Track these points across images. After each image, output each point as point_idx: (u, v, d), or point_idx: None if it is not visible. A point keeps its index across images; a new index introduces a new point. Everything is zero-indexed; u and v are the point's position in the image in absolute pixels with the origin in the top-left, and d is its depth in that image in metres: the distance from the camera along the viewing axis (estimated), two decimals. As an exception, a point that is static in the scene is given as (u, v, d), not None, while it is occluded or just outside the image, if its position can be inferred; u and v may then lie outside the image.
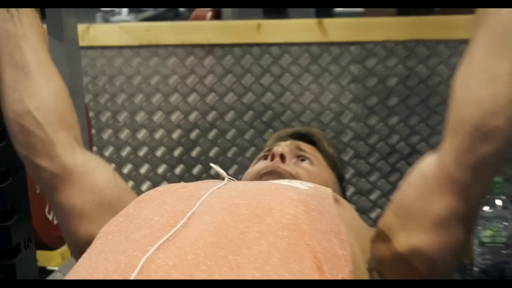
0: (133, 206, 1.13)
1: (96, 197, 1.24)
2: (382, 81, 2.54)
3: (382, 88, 2.55)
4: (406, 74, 2.52)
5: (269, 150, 1.48)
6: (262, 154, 1.49)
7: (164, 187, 1.17)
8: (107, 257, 0.99)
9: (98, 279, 0.94)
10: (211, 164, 1.26)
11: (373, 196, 2.59)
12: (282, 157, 1.40)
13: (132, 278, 0.90)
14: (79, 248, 1.24)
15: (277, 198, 1.07)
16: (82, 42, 2.68)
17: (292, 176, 1.37)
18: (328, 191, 1.17)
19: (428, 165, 1.09)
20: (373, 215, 2.61)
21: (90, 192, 1.24)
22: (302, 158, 1.44)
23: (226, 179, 1.19)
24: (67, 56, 2.06)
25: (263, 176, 1.39)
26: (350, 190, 2.62)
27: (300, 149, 1.46)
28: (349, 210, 1.25)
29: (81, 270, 1.00)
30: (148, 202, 1.12)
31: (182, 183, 1.19)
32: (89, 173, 1.25)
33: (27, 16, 1.26)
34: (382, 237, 1.15)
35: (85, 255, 1.05)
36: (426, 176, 1.08)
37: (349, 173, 2.61)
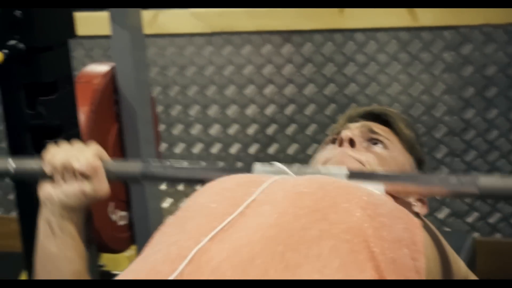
0: (192, 196, 1.13)
1: None
2: (480, 70, 2.46)
3: (480, 77, 2.46)
4: (506, 61, 2.44)
5: (338, 133, 1.42)
6: (330, 137, 1.43)
7: (226, 177, 1.15)
8: (160, 249, 1.02)
9: (144, 273, 0.97)
10: (274, 163, 1.22)
11: (469, 198, 2.52)
12: (352, 142, 1.34)
13: (180, 269, 0.94)
14: None
15: (345, 194, 1.04)
16: (150, 30, 2.66)
17: (362, 164, 1.31)
18: (409, 199, 1.13)
19: None
20: (469, 219, 2.54)
21: None
22: (374, 142, 1.37)
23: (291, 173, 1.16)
24: (131, 45, 2.06)
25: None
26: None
27: (372, 131, 1.38)
28: (431, 229, 1.21)
29: (133, 265, 1.03)
30: (207, 189, 1.12)
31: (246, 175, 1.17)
32: None
33: (72, 238, 1.22)
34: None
35: (142, 252, 1.07)
36: None
37: (442, 172, 2.53)
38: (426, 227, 1.13)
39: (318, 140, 2.61)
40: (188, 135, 2.75)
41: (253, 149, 2.70)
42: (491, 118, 2.48)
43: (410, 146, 1.43)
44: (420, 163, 1.46)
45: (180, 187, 2.78)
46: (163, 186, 2.77)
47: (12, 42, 1.54)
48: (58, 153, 1.21)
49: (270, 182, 1.09)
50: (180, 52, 2.71)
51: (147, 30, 2.62)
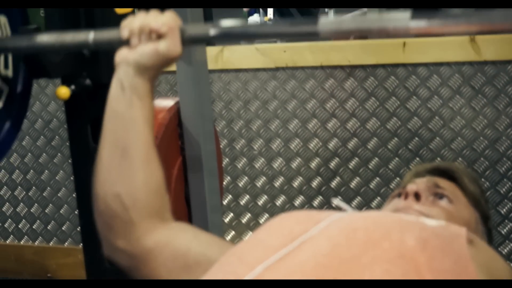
0: (253, 233, 1.19)
1: (180, 263, 1.27)
2: (544, 104, 2.44)
3: (544, 111, 2.44)
4: None
5: (404, 187, 1.44)
6: (396, 191, 1.46)
7: (287, 213, 1.20)
8: (216, 276, 1.07)
9: None
10: (333, 199, 1.26)
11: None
12: (417, 196, 1.36)
13: None
14: None
15: (399, 226, 1.07)
16: (216, 65, 2.73)
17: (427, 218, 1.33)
18: (462, 230, 1.13)
19: None
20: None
21: (173, 261, 1.27)
22: (440, 196, 1.40)
23: (350, 210, 1.19)
24: (195, 80, 2.11)
25: None
26: (509, 226, 2.52)
27: (437, 186, 1.41)
28: (487, 252, 1.20)
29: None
30: (266, 227, 1.17)
31: (306, 210, 1.21)
32: (168, 245, 1.28)
33: (139, 99, 1.30)
34: None
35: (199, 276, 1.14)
36: None
37: (505, 207, 2.51)
38: (477, 255, 1.12)
39: (380, 174, 2.63)
40: (252, 168, 2.78)
41: (315, 182, 2.72)
42: (556, 153, 2.45)
43: (475, 202, 1.45)
44: (485, 219, 1.47)
45: (244, 219, 2.81)
46: (227, 219, 2.81)
47: (80, 78, 1.60)
48: (136, 18, 1.28)
49: (328, 220, 1.12)
50: (245, 87, 2.76)
51: (213, 65, 2.69)
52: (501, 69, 2.47)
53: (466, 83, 2.52)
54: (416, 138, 2.58)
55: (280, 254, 1.04)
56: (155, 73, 1.30)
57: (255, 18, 7.73)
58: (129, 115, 1.30)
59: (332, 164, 2.69)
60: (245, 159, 2.79)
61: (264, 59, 2.72)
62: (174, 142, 2.14)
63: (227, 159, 2.79)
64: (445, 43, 2.53)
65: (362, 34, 1.21)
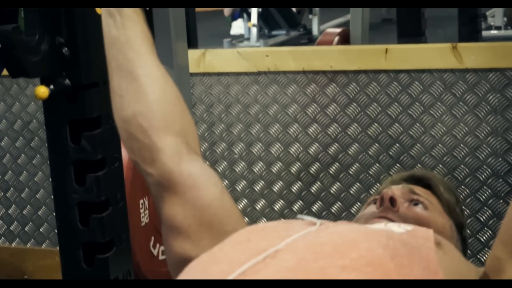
0: (220, 245, 1.15)
1: (197, 213, 1.25)
2: (525, 113, 2.46)
3: (525, 120, 2.46)
4: (552, 104, 2.43)
5: (380, 193, 1.45)
6: (372, 197, 1.46)
7: (254, 226, 1.18)
8: None
9: None
10: (299, 216, 1.25)
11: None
12: (392, 201, 1.36)
13: None
14: (172, 266, 1.27)
15: (366, 237, 1.06)
16: (198, 69, 2.73)
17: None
18: (429, 233, 1.13)
19: None
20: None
21: (191, 207, 1.25)
22: (415, 202, 1.41)
23: (318, 223, 1.18)
24: (176, 83, 2.10)
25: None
26: (488, 234, 2.53)
27: (413, 192, 1.42)
28: (453, 254, 1.21)
29: None
30: (233, 240, 1.14)
31: (274, 223, 1.19)
32: (194, 187, 1.26)
33: (130, 19, 1.31)
34: (492, 270, 1.13)
35: None
36: None
37: (485, 215, 2.52)
38: (445, 258, 1.13)
39: (361, 180, 2.63)
40: (232, 172, 2.78)
41: (296, 187, 2.72)
42: (536, 161, 2.47)
43: (450, 210, 1.46)
44: (460, 227, 1.48)
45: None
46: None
47: (59, 78, 1.59)
48: None
49: (294, 236, 1.10)
50: (227, 91, 2.76)
51: (195, 69, 2.69)
52: (483, 77, 2.49)
53: (448, 90, 2.53)
54: (397, 145, 2.59)
55: (244, 268, 1.01)
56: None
57: (238, 23, 7.74)
58: (124, 38, 1.31)
59: (313, 169, 2.69)
60: (225, 162, 2.79)
61: (246, 63, 2.72)
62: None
63: (208, 163, 2.78)
64: (427, 50, 2.54)
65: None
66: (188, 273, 1.10)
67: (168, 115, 1.30)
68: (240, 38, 7.07)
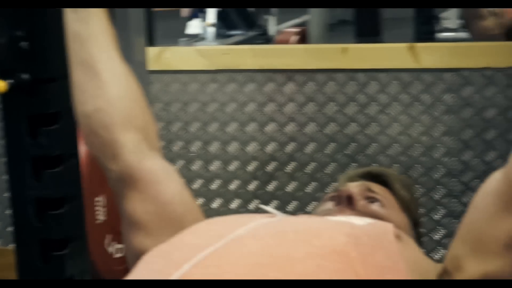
0: (177, 235, 1.16)
1: (157, 209, 1.27)
2: (479, 113, 2.49)
3: (479, 120, 2.49)
4: (506, 104, 2.47)
5: (337, 191, 1.47)
6: (329, 195, 1.48)
7: (214, 218, 1.20)
8: (142, 276, 1.05)
9: None
10: (260, 205, 1.27)
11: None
12: (349, 199, 1.38)
13: None
14: (132, 262, 1.27)
15: (328, 226, 1.08)
16: (155, 66, 2.72)
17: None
18: (389, 226, 1.15)
19: (494, 182, 1.08)
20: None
21: (152, 203, 1.27)
22: (372, 200, 1.43)
23: (279, 215, 1.19)
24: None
25: None
26: (441, 232, 2.56)
27: (370, 190, 1.44)
28: (412, 247, 1.24)
29: None
30: (192, 230, 1.16)
31: (234, 215, 1.21)
32: (155, 182, 1.28)
33: (93, 14, 1.32)
34: (451, 268, 1.15)
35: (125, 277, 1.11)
36: (493, 195, 1.07)
37: (439, 214, 2.55)
38: (405, 250, 1.15)
39: (317, 178, 2.65)
40: (189, 170, 2.78)
41: (252, 186, 2.72)
42: (490, 160, 2.50)
43: (406, 207, 1.49)
44: (415, 223, 1.51)
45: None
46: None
47: (17, 72, 1.58)
48: None
49: (256, 222, 1.12)
50: (184, 88, 2.76)
51: (152, 66, 2.67)
52: (438, 77, 2.52)
53: (404, 90, 2.56)
54: (354, 144, 2.61)
55: (207, 252, 1.02)
56: None
57: (194, 23, 7.71)
58: (87, 32, 1.32)
59: (269, 168, 2.70)
60: (182, 160, 2.78)
61: (205, 61, 2.72)
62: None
63: (164, 161, 2.77)
64: (384, 50, 2.57)
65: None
66: (148, 261, 1.10)
67: (129, 111, 1.31)
68: (196, 38, 7.05)
